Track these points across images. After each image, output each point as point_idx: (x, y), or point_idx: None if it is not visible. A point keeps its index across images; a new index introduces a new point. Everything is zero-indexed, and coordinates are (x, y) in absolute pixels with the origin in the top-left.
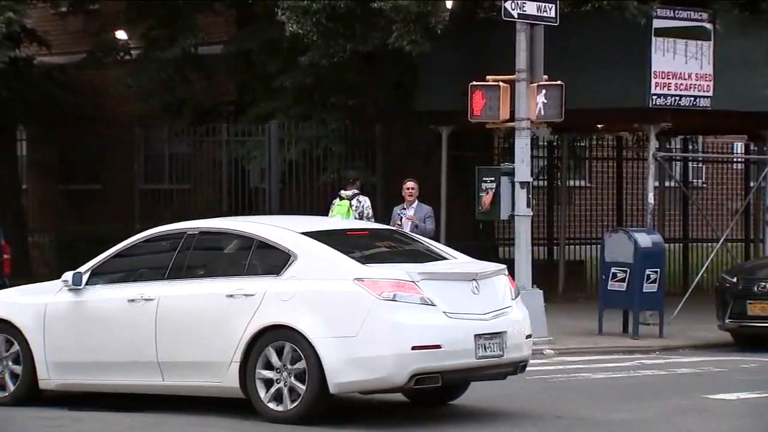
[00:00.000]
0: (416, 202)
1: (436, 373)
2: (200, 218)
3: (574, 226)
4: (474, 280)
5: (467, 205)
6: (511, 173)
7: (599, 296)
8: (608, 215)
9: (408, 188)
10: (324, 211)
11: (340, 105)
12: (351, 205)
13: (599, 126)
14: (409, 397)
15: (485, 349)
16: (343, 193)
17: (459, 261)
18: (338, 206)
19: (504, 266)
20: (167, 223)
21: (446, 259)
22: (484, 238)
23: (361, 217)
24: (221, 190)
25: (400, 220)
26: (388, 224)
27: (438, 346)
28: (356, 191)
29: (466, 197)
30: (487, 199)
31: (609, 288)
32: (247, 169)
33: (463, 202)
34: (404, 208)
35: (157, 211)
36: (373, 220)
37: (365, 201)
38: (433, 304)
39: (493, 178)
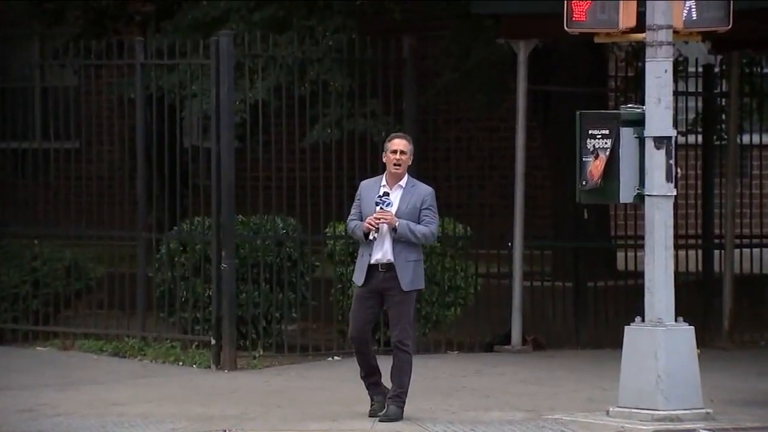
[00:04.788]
0: (406, 177)
1: None
2: (93, 199)
3: (750, 214)
4: None
5: (561, 178)
6: (638, 122)
7: None
8: None
9: (395, 151)
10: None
11: (342, 7)
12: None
13: None
14: None
15: None
16: None
17: None
18: None
19: None
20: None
21: None
22: (591, 236)
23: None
24: (134, 151)
25: (380, 208)
26: (368, 212)
27: None
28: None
29: (560, 164)
30: (596, 167)
31: None
32: (178, 115)
33: (554, 171)
34: (384, 186)
35: (21, 186)
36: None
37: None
38: None
39: (607, 131)
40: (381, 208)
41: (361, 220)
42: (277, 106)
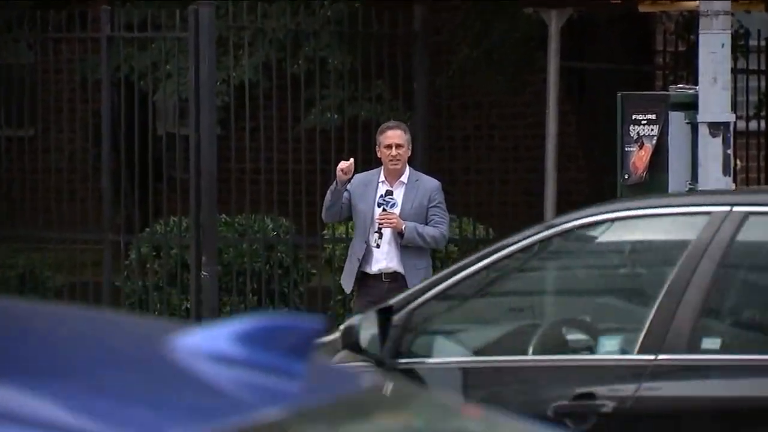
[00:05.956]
0: (407, 170)
1: None
2: (51, 195)
3: None
4: None
5: (599, 171)
6: (690, 105)
7: None
8: None
9: (389, 146)
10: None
11: None
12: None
13: None
14: None
15: None
16: None
17: None
18: None
19: None
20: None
21: None
22: None
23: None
24: (99, 140)
25: (383, 209)
26: (365, 210)
27: None
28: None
29: (598, 154)
30: (640, 158)
31: None
32: (151, 97)
33: (591, 163)
34: (384, 182)
35: None
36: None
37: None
38: None
39: (653, 116)
40: (384, 209)
41: (351, 218)
42: (266, 86)
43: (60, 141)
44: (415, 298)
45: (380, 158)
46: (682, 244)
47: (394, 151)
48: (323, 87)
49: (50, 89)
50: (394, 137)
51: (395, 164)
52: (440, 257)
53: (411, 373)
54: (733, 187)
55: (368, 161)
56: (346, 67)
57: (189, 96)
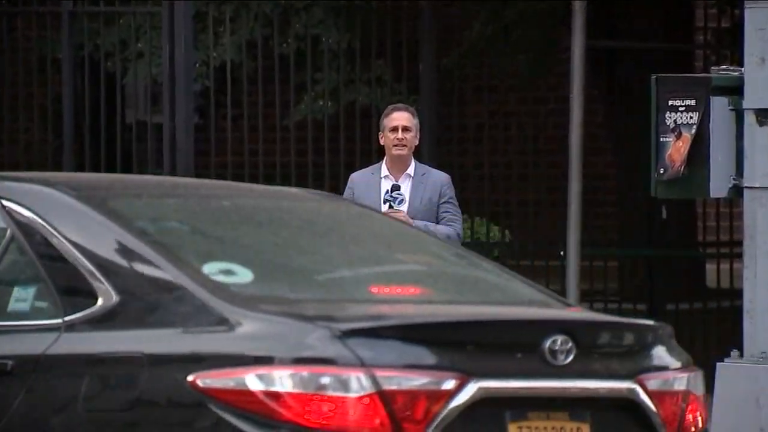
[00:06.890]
0: (413, 162)
1: None
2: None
3: None
4: None
5: (631, 165)
6: (734, 90)
7: None
8: None
9: (395, 128)
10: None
11: None
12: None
13: None
14: None
15: None
16: None
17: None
18: None
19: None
20: None
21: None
22: (671, 243)
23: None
24: (60, 129)
25: (389, 205)
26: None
27: None
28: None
29: (629, 145)
30: (678, 149)
31: None
32: (119, 81)
33: (621, 156)
34: (388, 176)
35: None
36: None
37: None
38: None
39: (693, 102)
40: (391, 206)
41: None
42: (250, 68)
43: (15, 131)
44: None
45: (383, 146)
46: None
47: (400, 134)
48: (316, 69)
49: (5, 71)
50: (401, 119)
51: (401, 149)
52: None
53: None
54: None
55: (367, 153)
56: (342, 46)
57: (163, 79)
